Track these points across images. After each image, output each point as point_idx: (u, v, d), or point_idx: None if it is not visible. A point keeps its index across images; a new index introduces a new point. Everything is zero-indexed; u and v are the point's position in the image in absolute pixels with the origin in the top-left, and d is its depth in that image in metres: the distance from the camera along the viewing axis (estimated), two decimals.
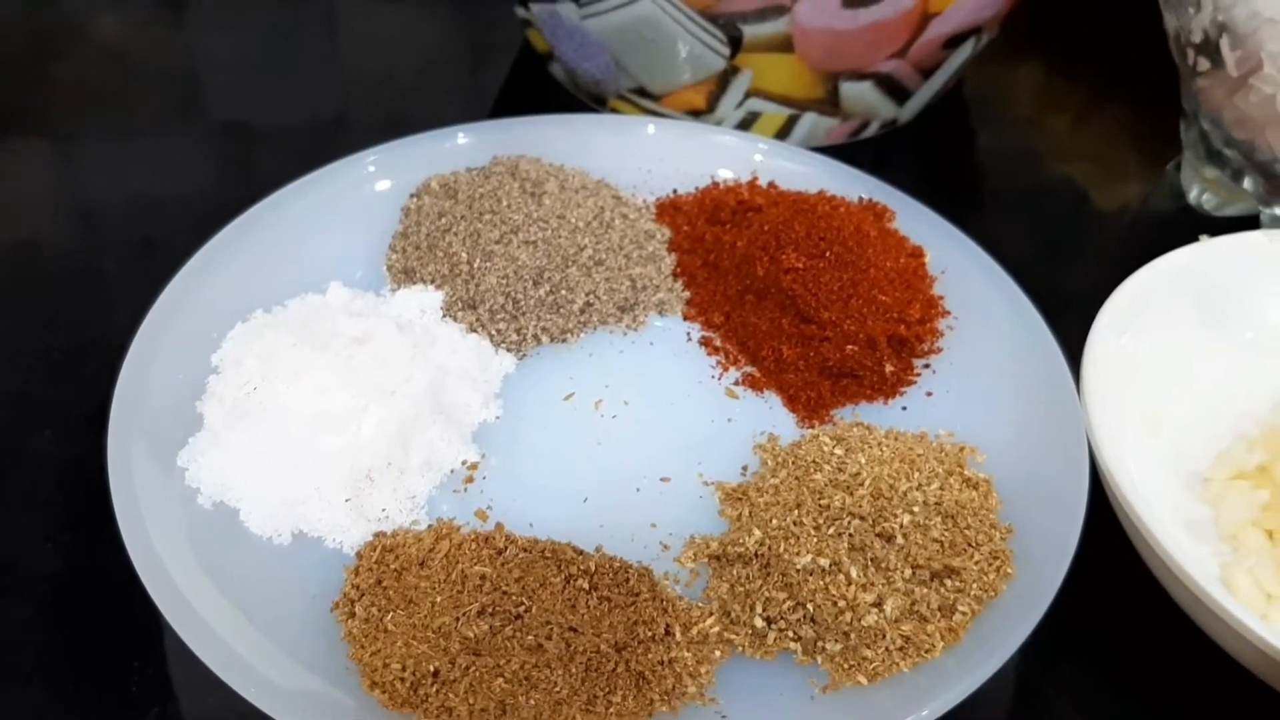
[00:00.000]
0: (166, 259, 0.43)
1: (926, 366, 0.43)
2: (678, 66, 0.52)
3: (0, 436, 0.42)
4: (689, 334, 0.44)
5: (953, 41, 0.52)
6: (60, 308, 0.47)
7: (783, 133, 0.55)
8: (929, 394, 0.42)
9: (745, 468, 0.39)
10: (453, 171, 0.48)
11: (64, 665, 0.36)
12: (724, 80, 0.52)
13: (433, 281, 0.44)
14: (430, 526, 0.36)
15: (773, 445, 0.40)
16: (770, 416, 0.41)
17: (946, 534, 0.34)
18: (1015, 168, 0.60)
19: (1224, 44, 0.47)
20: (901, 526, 0.34)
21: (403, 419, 0.37)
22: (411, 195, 0.47)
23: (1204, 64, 0.48)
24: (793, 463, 0.38)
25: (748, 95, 0.53)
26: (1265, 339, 0.43)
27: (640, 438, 0.40)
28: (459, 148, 0.48)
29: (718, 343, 0.44)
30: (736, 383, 0.43)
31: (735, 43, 0.50)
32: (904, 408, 0.41)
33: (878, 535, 0.34)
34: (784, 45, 0.50)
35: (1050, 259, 0.53)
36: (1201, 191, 0.53)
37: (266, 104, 0.60)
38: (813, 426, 0.41)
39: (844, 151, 0.55)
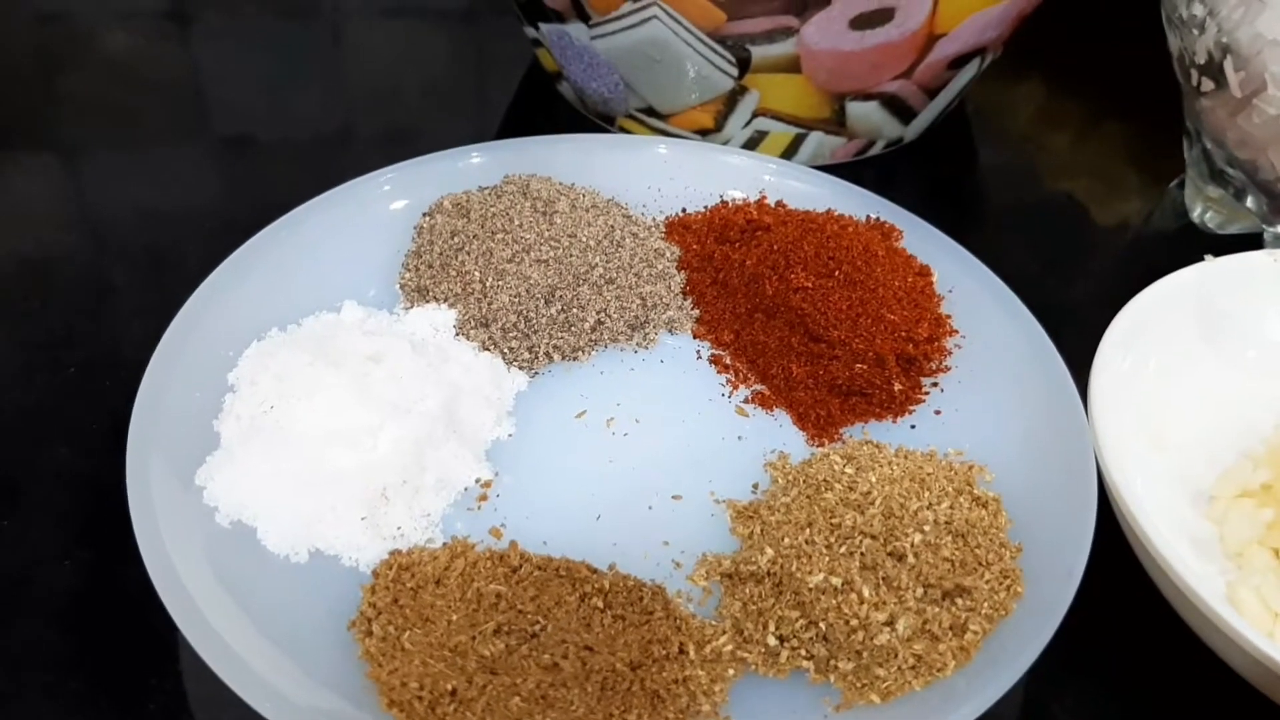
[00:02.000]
0: (174, 273, 0.44)
1: (935, 385, 0.43)
2: (686, 87, 0.52)
3: (15, 451, 0.42)
4: (699, 352, 0.45)
5: (958, 62, 0.53)
6: (71, 321, 0.48)
7: (789, 151, 0.55)
8: (937, 412, 0.42)
9: (756, 485, 0.40)
10: (465, 190, 0.48)
11: (80, 682, 0.36)
12: (732, 100, 0.53)
13: (446, 300, 0.44)
14: (445, 544, 0.36)
15: (783, 463, 0.40)
16: (780, 434, 0.42)
17: (957, 553, 0.35)
18: (1019, 185, 0.61)
19: (1228, 65, 0.47)
20: (913, 545, 0.35)
21: (417, 437, 0.38)
22: (424, 214, 0.47)
23: (1208, 85, 0.49)
24: (803, 481, 0.38)
25: (755, 115, 0.53)
26: (1269, 358, 0.44)
27: (652, 455, 0.41)
28: (471, 167, 0.49)
29: (727, 360, 0.44)
30: (746, 400, 0.43)
31: (743, 63, 0.51)
32: (913, 426, 0.42)
33: (889, 554, 0.35)
34: (791, 66, 0.50)
35: (1055, 276, 0.54)
36: (1205, 210, 0.54)
37: (274, 119, 0.60)
38: (822, 445, 0.41)
39: (850, 170, 0.55)
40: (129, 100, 0.60)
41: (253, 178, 0.57)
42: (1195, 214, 0.54)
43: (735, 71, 0.51)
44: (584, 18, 0.52)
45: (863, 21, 0.48)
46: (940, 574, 0.34)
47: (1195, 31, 0.49)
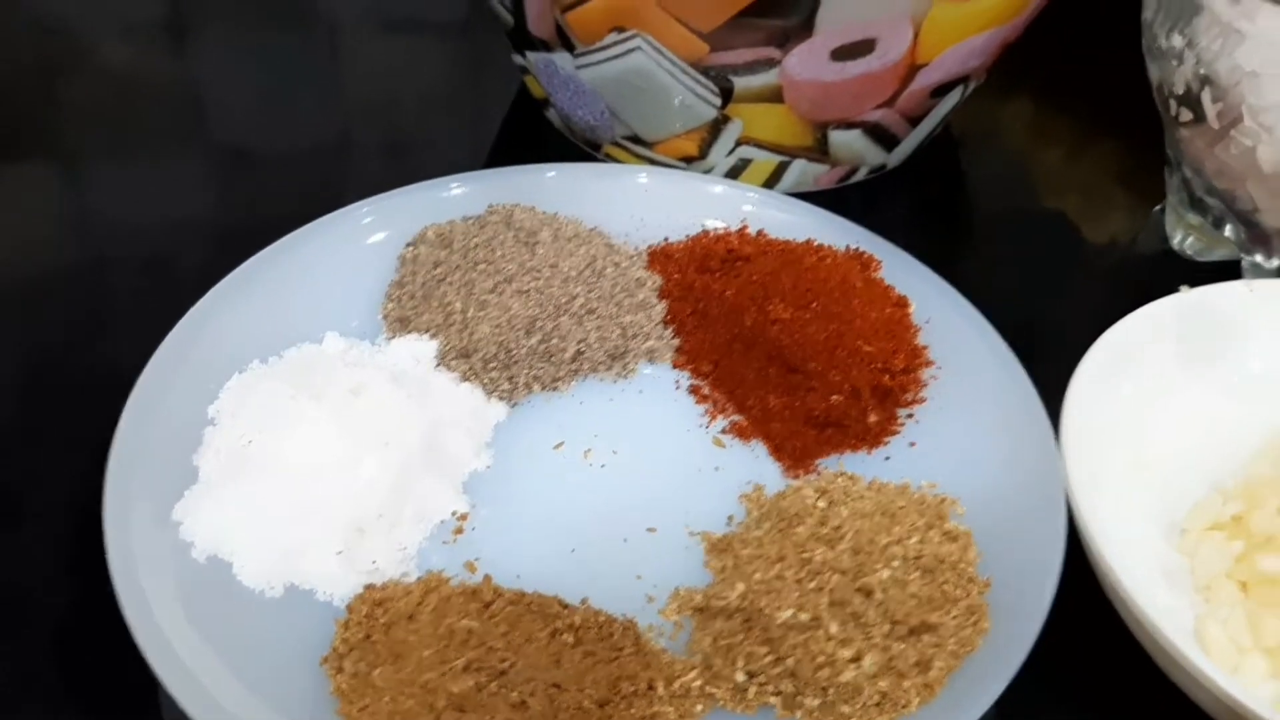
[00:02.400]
0: (172, 286, 0.44)
1: (910, 416, 0.43)
2: (670, 116, 0.53)
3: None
4: (678, 382, 0.45)
5: (940, 90, 0.53)
6: (66, 335, 0.48)
7: (773, 179, 0.56)
8: (912, 444, 0.43)
9: (731, 517, 0.40)
10: (449, 220, 0.49)
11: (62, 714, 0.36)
12: (715, 129, 0.53)
13: (427, 330, 0.45)
14: (420, 579, 0.37)
15: (758, 495, 0.40)
16: (756, 466, 0.42)
17: (925, 589, 0.35)
18: (1005, 208, 0.61)
19: (1205, 96, 0.48)
20: (881, 581, 0.35)
21: (396, 470, 0.38)
22: (408, 244, 0.48)
23: (1186, 115, 0.49)
24: (776, 515, 0.38)
25: (739, 143, 0.54)
26: (1244, 389, 0.44)
27: (628, 487, 0.41)
28: (454, 197, 0.49)
29: (706, 391, 0.45)
30: (724, 431, 0.43)
31: (726, 93, 0.51)
32: (887, 457, 0.42)
33: (858, 590, 0.35)
34: (774, 96, 0.51)
35: (1039, 299, 0.54)
36: (1185, 237, 0.54)
37: (267, 134, 0.60)
38: (798, 476, 0.42)
39: (834, 196, 0.56)
40: (126, 112, 0.61)
41: (246, 192, 0.57)
42: (1175, 241, 0.54)
43: (718, 101, 0.51)
44: (569, 47, 0.52)
45: (844, 53, 0.49)
46: (907, 610, 0.34)
47: (1174, 62, 0.49)
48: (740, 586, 0.36)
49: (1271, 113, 0.46)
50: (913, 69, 0.51)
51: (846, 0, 0.46)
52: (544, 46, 0.53)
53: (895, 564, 0.35)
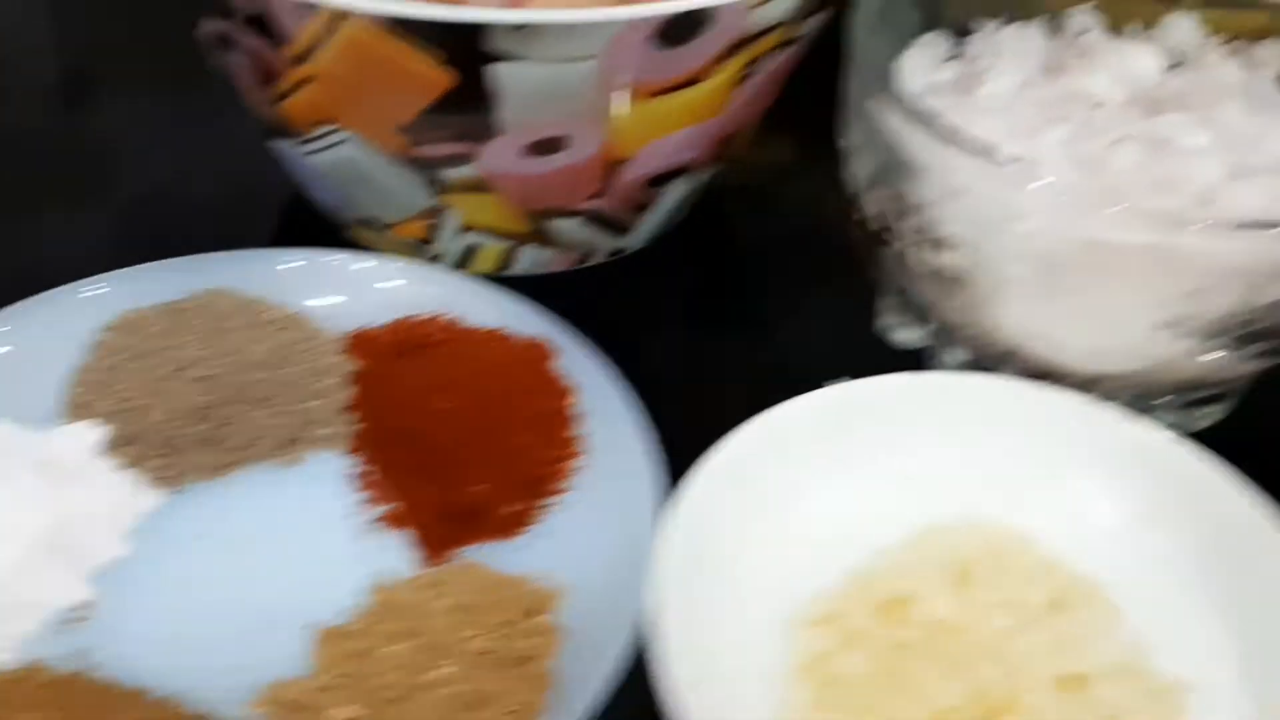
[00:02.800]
0: None
1: (553, 506, 0.45)
2: (390, 203, 0.55)
3: None
4: (346, 470, 0.46)
5: (658, 181, 0.55)
6: None
7: (505, 263, 0.57)
8: (550, 534, 0.44)
9: (355, 609, 0.41)
10: (150, 305, 0.50)
11: None
12: (436, 216, 0.55)
13: (102, 416, 0.46)
14: (16, 668, 0.38)
15: (382, 588, 0.42)
16: (399, 556, 0.43)
17: (485, 684, 0.36)
18: (748, 287, 0.61)
19: (868, 198, 0.49)
20: (438, 678, 0.36)
21: (12, 559, 0.39)
22: (103, 328, 0.50)
23: (858, 214, 0.51)
24: (381, 609, 0.40)
25: (463, 229, 0.55)
26: (881, 484, 0.45)
27: (265, 577, 0.42)
28: (159, 279, 0.51)
29: (370, 479, 0.46)
30: (377, 520, 0.45)
31: (437, 183, 0.53)
32: (524, 547, 0.43)
33: (415, 687, 0.36)
34: (482, 186, 0.52)
35: (745, 384, 0.55)
36: (889, 323, 0.55)
37: (162, 188, 0.63)
38: (434, 566, 0.43)
39: (574, 278, 0.57)
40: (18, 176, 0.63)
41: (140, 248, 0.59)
42: (882, 327, 0.56)
43: (431, 190, 0.53)
44: (290, 135, 0.54)
45: (537, 149, 0.50)
46: (451, 708, 0.35)
47: (846, 161, 0.51)
48: (315, 681, 0.37)
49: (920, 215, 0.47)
50: (612, 164, 0.52)
51: (522, 102, 0.48)
52: (272, 134, 0.55)
53: (460, 661, 0.37)
